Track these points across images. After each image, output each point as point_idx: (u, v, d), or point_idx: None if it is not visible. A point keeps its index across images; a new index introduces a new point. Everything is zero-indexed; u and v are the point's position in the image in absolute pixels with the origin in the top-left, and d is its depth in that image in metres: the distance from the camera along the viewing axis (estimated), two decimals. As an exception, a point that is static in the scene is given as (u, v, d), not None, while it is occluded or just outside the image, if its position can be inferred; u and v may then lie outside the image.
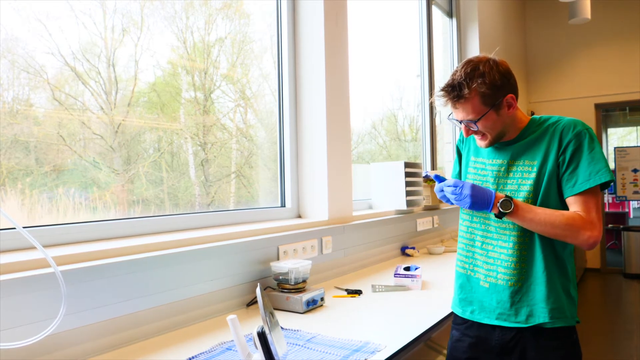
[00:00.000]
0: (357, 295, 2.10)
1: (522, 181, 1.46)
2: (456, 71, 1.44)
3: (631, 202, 8.91)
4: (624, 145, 8.27)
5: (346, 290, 2.17)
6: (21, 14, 1.55)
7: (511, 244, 1.46)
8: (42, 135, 1.63)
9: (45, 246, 1.48)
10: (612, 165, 8.51)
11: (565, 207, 1.43)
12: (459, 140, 1.73)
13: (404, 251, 3.16)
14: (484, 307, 1.52)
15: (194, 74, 2.21)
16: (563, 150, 1.41)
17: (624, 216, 9.30)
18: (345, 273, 2.57)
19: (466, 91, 1.39)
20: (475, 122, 1.43)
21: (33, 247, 1.43)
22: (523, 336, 1.45)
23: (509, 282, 1.46)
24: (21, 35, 1.56)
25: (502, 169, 1.51)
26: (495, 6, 5.68)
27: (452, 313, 1.69)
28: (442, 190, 1.50)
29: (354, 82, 2.89)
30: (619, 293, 6.11)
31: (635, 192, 7.30)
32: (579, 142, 1.39)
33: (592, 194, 1.38)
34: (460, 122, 1.48)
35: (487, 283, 1.51)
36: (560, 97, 7.22)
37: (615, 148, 7.54)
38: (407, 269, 2.27)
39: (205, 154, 2.24)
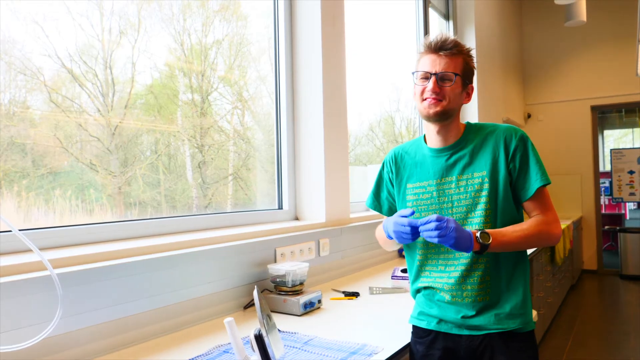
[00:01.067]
0: (354, 298, 2.10)
1: (475, 194, 1.42)
2: (445, 34, 1.45)
3: (627, 203, 8.94)
4: (620, 147, 8.30)
5: (343, 292, 2.17)
6: (18, 16, 1.55)
7: (473, 262, 1.42)
8: (38, 137, 1.63)
9: (41, 249, 1.47)
10: (608, 167, 8.55)
11: (519, 211, 1.46)
12: (390, 163, 1.62)
13: (401, 253, 3.17)
14: (450, 319, 1.46)
15: (191, 76, 2.21)
16: (512, 157, 1.41)
17: (620, 217, 9.34)
18: (343, 275, 2.57)
19: (459, 48, 1.43)
20: (455, 75, 1.40)
21: (29, 250, 1.42)
22: (491, 340, 1.42)
23: (478, 298, 1.42)
24: (18, 37, 1.55)
25: (452, 185, 1.45)
26: (492, 8, 5.70)
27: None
28: (413, 228, 1.34)
29: (351, 84, 2.89)
30: (615, 294, 6.13)
31: (632, 194, 7.33)
32: (525, 147, 1.43)
33: (544, 192, 1.43)
34: (432, 75, 1.40)
35: (452, 302, 1.45)
36: (556, 99, 7.25)
37: (611, 150, 7.57)
38: (404, 271, 2.27)
39: (203, 156, 2.24)
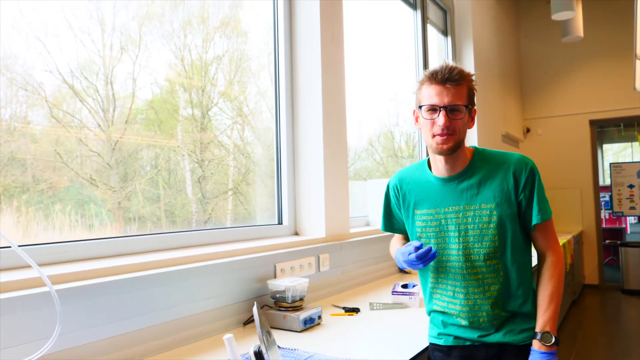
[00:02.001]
0: (354, 314, 2.09)
1: (483, 225, 1.42)
2: (445, 63, 1.42)
3: (628, 217, 8.93)
4: (619, 161, 8.32)
5: (344, 308, 2.15)
6: (20, 32, 1.56)
7: (486, 287, 1.44)
8: (39, 152, 1.63)
9: (40, 265, 1.46)
10: (607, 181, 8.55)
11: (528, 237, 1.49)
12: (396, 188, 1.62)
13: (401, 268, 3.15)
14: (467, 337, 1.49)
15: (192, 91, 2.22)
16: (522, 189, 1.42)
17: (621, 232, 9.31)
18: (343, 291, 2.55)
19: (464, 77, 1.40)
20: (466, 107, 1.38)
21: (28, 266, 1.41)
22: (506, 351, 1.46)
23: (494, 322, 1.45)
24: (20, 53, 1.57)
25: (460, 215, 1.45)
26: (490, 24, 5.75)
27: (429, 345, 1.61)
28: (420, 258, 1.40)
29: (350, 98, 2.90)
30: (617, 309, 6.09)
31: (632, 208, 7.32)
32: (533, 180, 1.43)
33: (548, 224, 1.46)
34: (441, 109, 1.37)
35: (469, 326, 1.48)
36: (554, 113, 7.28)
37: (610, 164, 7.58)
38: (404, 286, 2.26)
39: (203, 171, 2.24)
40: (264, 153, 2.58)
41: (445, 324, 1.54)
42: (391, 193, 1.65)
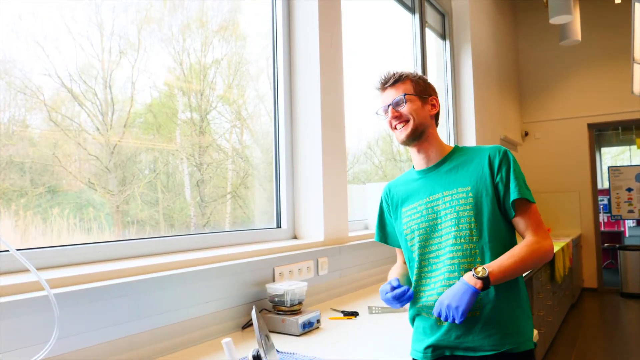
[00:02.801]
0: (353, 317, 2.08)
1: (459, 208, 1.44)
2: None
3: (626, 221, 8.94)
4: (618, 165, 8.34)
5: (342, 312, 2.15)
6: (19, 36, 1.56)
7: (462, 274, 1.40)
8: (37, 156, 1.63)
9: (38, 269, 1.46)
10: (606, 185, 8.57)
11: (510, 230, 1.48)
12: (386, 197, 1.69)
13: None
14: (444, 343, 1.45)
15: (190, 95, 2.22)
16: (497, 172, 1.45)
17: (619, 235, 9.32)
18: (342, 294, 2.55)
19: (402, 76, 1.56)
20: (404, 96, 1.51)
21: (27, 270, 1.41)
22: None
23: (469, 321, 1.41)
24: (19, 57, 1.57)
25: (439, 202, 1.48)
26: (488, 28, 5.77)
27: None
28: (398, 297, 1.44)
29: (349, 102, 2.91)
30: (616, 313, 6.09)
31: (630, 211, 7.33)
32: (507, 162, 1.46)
33: (531, 208, 1.46)
34: (388, 107, 1.54)
35: (445, 322, 1.44)
36: (553, 117, 7.30)
37: (609, 167, 7.59)
38: (403, 289, 2.26)
39: (201, 175, 2.24)
40: (263, 157, 2.58)
41: (422, 329, 1.51)
42: (382, 202, 1.70)
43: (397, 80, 1.56)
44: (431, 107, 1.57)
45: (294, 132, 2.62)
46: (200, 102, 2.27)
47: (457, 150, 1.57)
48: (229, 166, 2.42)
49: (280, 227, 2.55)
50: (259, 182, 2.55)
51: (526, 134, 7.43)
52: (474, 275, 1.32)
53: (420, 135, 1.52)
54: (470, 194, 1.44)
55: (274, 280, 2.07)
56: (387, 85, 1.57)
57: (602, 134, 10.16)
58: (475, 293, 1.30)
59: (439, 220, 1.48)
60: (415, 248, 1.53)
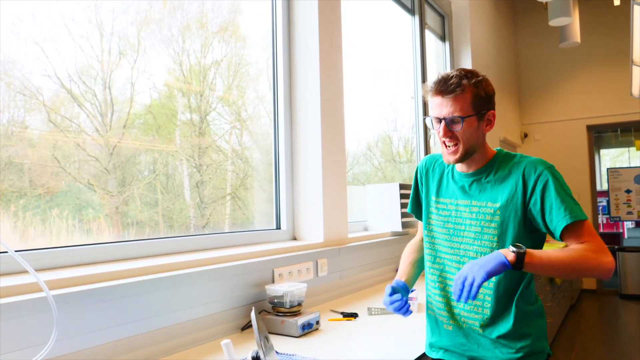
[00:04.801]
0: (353, 319, 2.08)
1: (484, 223, 1.41)
2: (452, 70, 1.41)
3: (625, 222, 8.95)
4: (617, 166, 8.34)
5: (342, 313, 2.15)
6: (19, 37, 1.56)
7: None
8: (36, 157, 1.62)
9: (37, 270, 1.46)
10: (605, 186, 8.57)
11: (535, 247, 1.40)
12: (420, 173, 1.64)
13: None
14: (454, 352, 1.49)
15: (190, 96, 2.22)
16: (531, 193, 1.36)
17: (618, 237, 9.32)
18: (341, 296, 2.55)
19: (462, 86, 1.36)
20: (462, 119, 1.36)
21: (25, 271, 1.41)
22: None
23: (474, 324, 1.43)
24: (18, 58, 1.56)
25: (467, 209, 1.46)
26: (487, 30, 5.78)
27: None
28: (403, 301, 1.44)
29: (348, 103, 2.91)
30: (615, 314, 6.09)
31: (629, 213, 7.34)
32: (545, 182, 1.35)
33: (581, 226, 1.32)
34: (442, 120, 1.38)
35: (451, 326, 1.49)
36: (552, 118, 7.30)
37: (608, 169, 7.60)
38: (403, 291, 2.25)
39: (201, 176, 2.24)
40: (262, 158, 2.58)
41: (434, 328, 1.55)
42: (418, 174, 1.66)
43: (457, 88, 1.36)
44: (487, 123, 1.44)
45: (293, 133, 2.62)
46: (200, 103, 2.27)
47: (499, 158, 1.47)
48: (229, 167, 2.41)
49: (279, 229, 2.55)
50: (258, 184, 2.54)
51: (525, 135, 7.43)
52: (511, 248, 1.24)
53: (468, 157, 1.43)
54: (498, 212, 1.39)
55: (273, 282, 2.07)
56: (444, 93, 1.38)
57: (601, 135, 10.17)
58: (504, 264, 1.22)
59: (462, 227, 1.46)
60: (434, 241, 1.54)
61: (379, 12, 3.81)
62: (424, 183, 1.62)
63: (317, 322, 1.90)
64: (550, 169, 1.38)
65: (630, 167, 7.46)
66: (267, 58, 2.62)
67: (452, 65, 4.91)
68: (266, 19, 2.62)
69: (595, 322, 5.74)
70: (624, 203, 7.36)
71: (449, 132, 1.39)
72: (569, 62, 7.17)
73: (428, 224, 1.58)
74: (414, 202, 1.69)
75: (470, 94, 1.37)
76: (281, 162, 2.58)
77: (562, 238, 1.34)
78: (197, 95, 2.25)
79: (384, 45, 3.88)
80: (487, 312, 1.42)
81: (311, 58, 2.57)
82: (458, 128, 1.38)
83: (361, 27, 3.50)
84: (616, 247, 7.69)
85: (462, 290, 1.23)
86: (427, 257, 1.58)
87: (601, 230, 9.00)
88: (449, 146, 1.41)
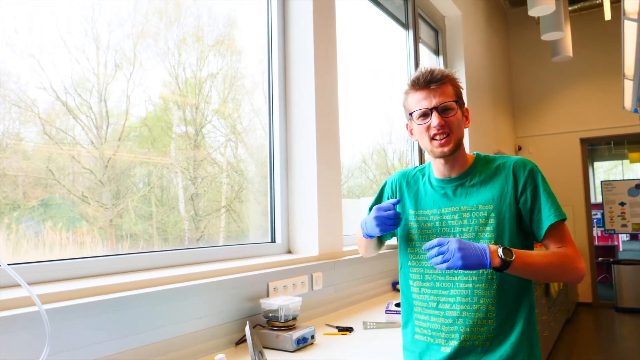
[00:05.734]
0: (348, 333, 2.07)
1: (479, 228, 1.36)
2: (424, 68, 1.40)
3: (620, 235, 8.97)
4: (610, 179, 8.39)
5: (337, 327, 2.13)
6: (15, 49, 1.57)
7: (474, 298, 1.34)
8: (30, 169, 1.62)
9: (30, 283, 1.44)
10: (599, 199, 8.61)
11: (528, 247, 1.40)
12: (393, 187, 1.58)
13: (395, 286, 3.14)
14: None
15: (186, 109, 2.22)
16: (522, 192, 1.36)
17: (613, 249, 9.35)
18: (336, 309, 2.53)
19: (446, 76, 1.38)
20: (457, 103, 1.37)
21: (18, 285, 1.39)
22: None
23: (476, 342, 1.34)
24: (14, 70, 1.56)
25: (456, 217, 1.39)
26: (481, 44, 5.84)
27: None
28: (396, 213, 1.36)
29: (343, 116, 2.92)
30: (611, 328, 6.08)
31: (624, 225, 7.36)
32: (535, 181, 1.37)
33: (562, 227, 1.36)
34: (433, 110, 1.36)
35: (449, 347, 1.36)
36: (546, 132, 7.36)
37: (601, 182, 7.64)
38: (398, 305, 2.25)
39: (196, 188, 2.23)
40: (258, 171, 2.58)
41: (427, 351, 1.41)
42: (387, 190, 1.59)
43: (444, 78, 1.37)
44: (466, 120, 1.45)
45: (288, 146, 2.62)
46: (195, 115, 2.27)
47: (479, 161, 1.46)
48: (224, 180, 2.41)
49: (274, 242, 2.54)
50: (253, 196, 2.54)
51: (519, 148, 7.47)
52: (500, 253, 1.22)
53: (456, 150, 1.40)
54: (492, 214, 1.35)
55: (268, 296, 2.06)
56: (431, 83, 1.36)
57: (594, 148, 10.24)
58: (483, 266, 1.21)
59: (451, 237, 1.37)
60: (420, 257, 1.44)
61: (373, 27, 3.84)
62: (397, 195, 1.56)
63: (312, 337, 1.88)
64: (537, 167, 1.40)
65: (623, 180, 7.51)
66: (262, 71, 2.63)
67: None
68: (262, 33, 2.64)
69: (592, 336, 5.73)
70: (619, 216, 7.39)
71: (443, 121, 1.36)
72: (562, 76, 7.25)
73: (409, 240, 1.49)
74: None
75: (452, 86, 1.40)
76: (276, 175, 2.58)
77: (544, 237, 1.35)
78: (193, 108, 2.26)
79: (379, 59, 3.91)
80: (493, 322, 1.34)
81: (306, 71, 2.59)
82: (452, 114, 1.37)
83: (356, 41, 3.53)
84: (611, 259, 7.72)
85: (435, 257, 1.23)
86: (413, 277, 1.48)
87: (596, 243, 9.01)
88: (440, 138, 1.37)
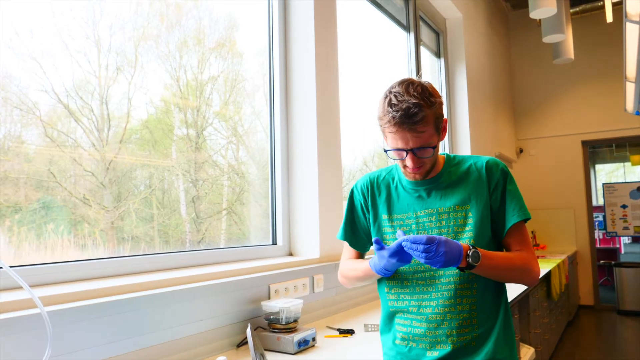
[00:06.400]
0: (349, 335, 2.06)
1: (458, 229, 1.35)
2: (403, 91, 1.28)
3: (622, 237, 8.96)
4: (612, 182, 8.38)
5: (338, 329, 2.13)
6: (16, 52, 1.57)
7: (457, 299, 1.34)
8: (32, 172, 1.62)
9: (32, 286, 1.44)
10: (601, 202, 8.60)
11: (498, 245, 1.41)
12: (362, 194, 1.52)
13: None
14: None
15: (187, 111, 2.23)
16: (494, 190, 1.37)
17: (615, 252, 9.33)
18: (337, 312, 2.53)
19: (425, 115, 1.26)
20: (433, 148, 1.31)
21: (20, 287, 1.39)
22: None
23: (463, 343, 1.33)
24: (15, 73, 1.57)
25: (433, 218, 1.38)
26: (482, 46, 5.84)
27: None
28: (398, 252, 1.26)
29: (344, 119, 2.92)
30: (613, 331, 6.06)
31: (625, 228, 7.35)
32: (505, 180, 1.38)
33: (523, 228, 1.39)
34: (409, 151, 1.30)
35: (436, 351, 1.34)
36: (547, 134, 7.35)
37: (603, 184, 7.63)
38: (400, 307, 2.24)
39: (197, 191, 2.23)
40: (259, 173, 2.58)
41: (408, 355, 1.39)
42: (357, 195, 1.53)
43: (421, 120, 1.26)
44: (443, 133, 1.38)
45: (289, 148, 2.63)
46: (197, 118, 2.27)
47: (450, 161, 1.45)
48: (225, 182, 2.41)
49: (275, 244, 2.54)
50: (254, 199, 2.54)
51: (521, 150, 7.47)
52: (469, 256, 1.23)
53: (429, 174, 1.41)
54: (470, 214, 1.35)
55: (269, 298, 2.06)
56: (409, 125, 1.26)
57: (596, 150, 10.23)
58: (455, 265, 1.23)
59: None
60: None
61: (374, 29, 3.85)
62: (369, 205, 1.49)
63: (314, 339, 1.88)
64: (507, 167, 1.42)
65: (625, 182, 7.50)
66: (263, 74, 2.63)
67: (447, 81, 4.95)
68: (263, 36, 2.65)
69: (593, 339, 5.72)
70: (620, 218, 7.38)
71: (419, 161, 1.33)
72: (563, 78, 7.25)
73: (385, 244, 1.42)
74: (350, 227, 1.55)
75: (432, 119, 1.29)
76: (277, 177, 2.58)
77: (506, 235, 1.38)
78: (194, 111, 2.26)
79: (380, 61, 3.92)
80: (476, 322, 1.34)
81: (307, 73, 2.59)
82: (428, 155, 1.33)
83: (357, 43, 3.53)
84: (613, 262, 7.70)
85: (415, 250, 1.20)
86: (390, 284, 1.45)
87: (597, 245, 9.00)
88: (414, 171, 1.36)
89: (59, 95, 1.70)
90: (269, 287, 2.07)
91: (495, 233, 1.39)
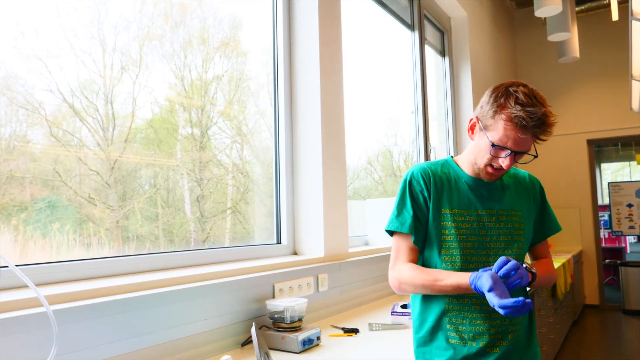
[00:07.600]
0: (354, 334, 2.06)
1: (514, 232, 1.42)
2: (530, 94, 1.29)
3: (627, 237, 8.92)
4: (618, 181, 8.34)
5: (343, 329, 2.13)
6: (21, 52, 1.58)
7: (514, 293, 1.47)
8: (38, 171, 1.63)
9: (37, 284, 1.45)
10: (606, 201, 8.56)
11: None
12: (424, 183, 1.45)
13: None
14: None
15: (191, 110, 2.23)
16: (535, 201, 1.51)
17: (620, 251, 9.28)
18: (342, 311, 2.53)
19: (550, 133, 1.33)
20: (534, 157, 1.40)
21: (25, 286, 1.40)
22: None
23: (517, 339, 1.41)
24: (21, 73, 1.58)
25: (493, 219, 1.41)
26: (486, 45, 5.82)
27: None
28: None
29: (349, 118, 2.92)
30: (618, 331, 6.04)
31: (631, 227, 7.31)
32: (543, 193, 1.54)
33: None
34: (513, 152, 1.31)
35: (497, 348, 1.37)
36: (553, 132, 7.31)
37: (609, 183, 7.59)
38: (404, 306, 2.24)
39: (201, 190, 2.24)
40: (263, 172, 2.58)
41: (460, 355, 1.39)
42: (417, 185, 1.44)
43: (548, 135, 1.32)
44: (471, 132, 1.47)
45: (294, 147, 2.63)
46: (201, 117, 2.28)
47: None
48: (229, 182, 2.42)
49: (280, 243, 2.54)
50: (259, 198, 2.54)
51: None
52: (530, 269, 1.33)
53: None
54: (522, 220, 1.45)
55: (273, 297, 2.06)
56: (533, 130, 1.28)
57: (601, 149, 10.19)
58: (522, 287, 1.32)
59: (488, 238, 1.39)
60: (455, 259, 1.38)
61: (379, 28, 3.84)
62: (432, 195, 1.42)
63: (318, 338, 1.88)
64: None
65: (631, 182, 7.46)
66: (267, 73, 2.63)
67: (452, 80, 4.94)
68: (267, 35, 2.65)
69: (598, 338, 5.69)
70: (626, 217, 7.34)
71: (513, 164, 1.35)
72: (569, 77, 7.21)
73: (442, 241, 1.41)
74: (416, 219, 1.43)
75: None
76: (282, 177, 2.58)
77: (539, 244, 1.55)
78: (198, 110, 2.26)
79: (384, 60, 3.91)
80: (523, 317, 1.46)
81: (312, 73, 2.59)
82: (525, 161, 1.40)
83: (361, 42, 3.53)
84: (619, 262, 7.66)
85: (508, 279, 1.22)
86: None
87: (603, 244, 8.95)
88: (497, 172, 1.37)
89: (64, 95, 1.70)
90: (273, 286, 2.07)
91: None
